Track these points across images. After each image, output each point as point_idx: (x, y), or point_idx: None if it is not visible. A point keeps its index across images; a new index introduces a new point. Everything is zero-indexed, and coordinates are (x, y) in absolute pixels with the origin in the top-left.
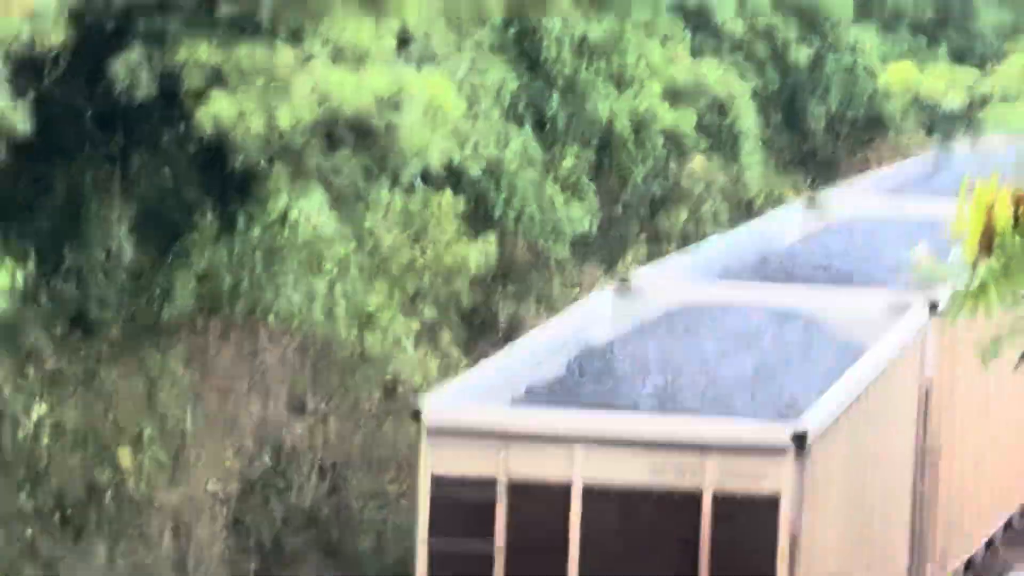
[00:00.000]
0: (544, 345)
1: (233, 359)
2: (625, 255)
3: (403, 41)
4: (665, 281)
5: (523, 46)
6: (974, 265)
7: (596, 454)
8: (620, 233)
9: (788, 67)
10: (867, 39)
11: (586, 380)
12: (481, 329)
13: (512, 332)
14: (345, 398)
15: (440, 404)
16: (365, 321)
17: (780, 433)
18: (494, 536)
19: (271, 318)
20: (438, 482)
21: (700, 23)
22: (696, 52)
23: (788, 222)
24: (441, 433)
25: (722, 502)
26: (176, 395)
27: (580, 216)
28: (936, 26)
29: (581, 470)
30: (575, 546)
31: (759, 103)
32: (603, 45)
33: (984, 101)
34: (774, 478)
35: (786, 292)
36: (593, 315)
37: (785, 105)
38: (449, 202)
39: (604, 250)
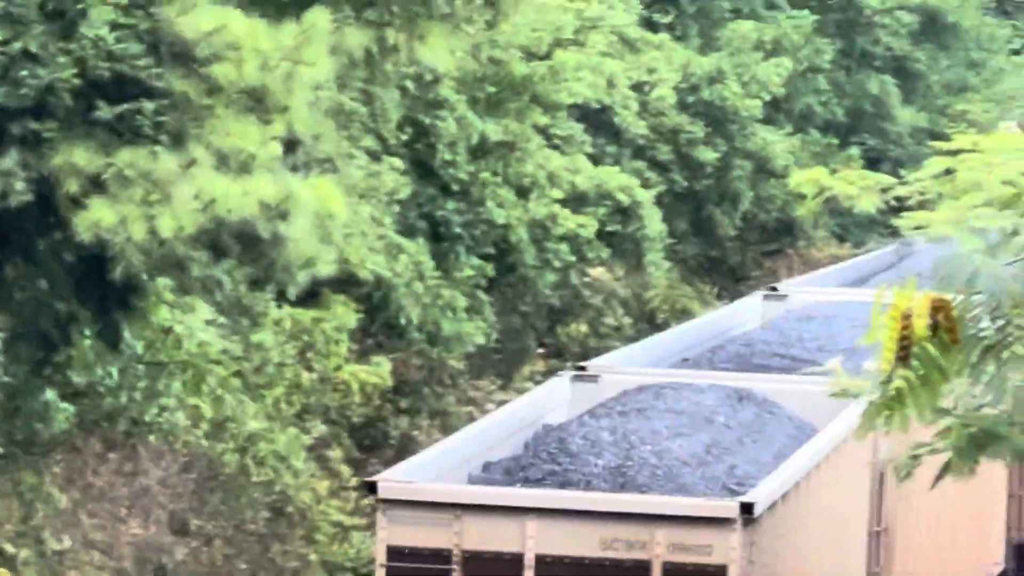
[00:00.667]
0: (501, 426)
1: (113, 479)
2: (521, 369)
3: (290, 145)
4: (622, 366)
5: (417, 150)
6: (890, 376)
7: (548, 526)
8: (517, 346)
9: (695, 170)
10: (777, 141)
11: (541, 459)
12: (372, 446)
13: (404, 449)
14: (230, 519)
15: (396, 477)
16: (251, 439)
17: (728, 505)
18: None
19: (153, 437)
20: (393, 553)
21: (601, 125)
22: (598, 156)
23: (748, 312)
24: (396, 505)
25: (671, 573)
26: (53, 517)
27: (474, 331)
28: (849, 129)
29: (534, 542)
30: None
31: (665, 209)
32: (500, 149)
33: (901, 206)
34: (722, 550)
35: (742, 376)
36: (551, 399)
37: (692, 211)
38: (340, 316)
39: (501, 364)
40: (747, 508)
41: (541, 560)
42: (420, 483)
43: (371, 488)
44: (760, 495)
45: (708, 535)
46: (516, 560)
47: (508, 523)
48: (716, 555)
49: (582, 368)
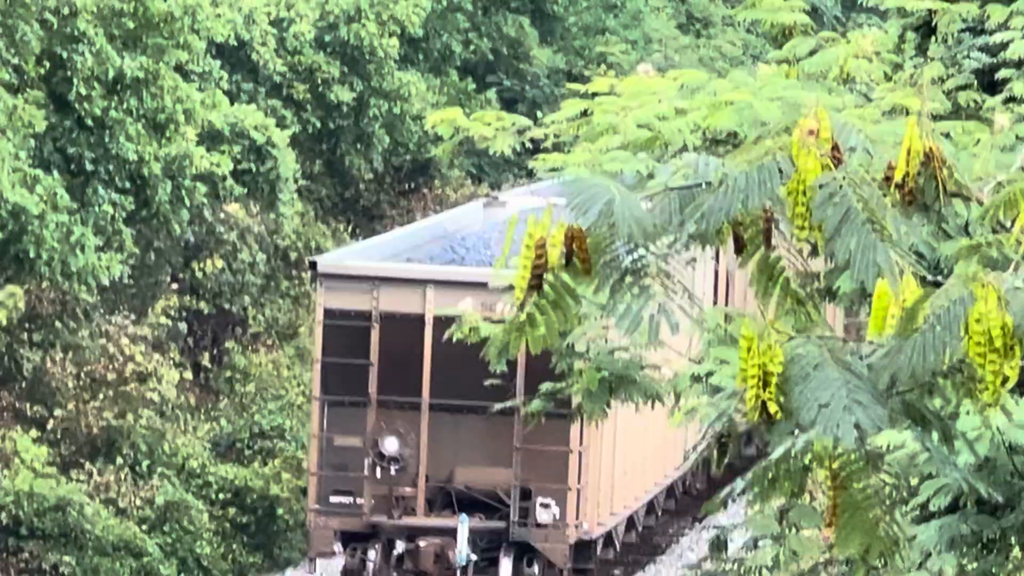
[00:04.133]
0: (422, 233)
1: None
2: (155, 304)
3: None
4: (523, 195)
5: (52, 84)
6: (523, 304)
7: (442, 293)
8: (151, 281)
9: (330, 110)
10: (413, 82)
11: (448, 252)
12: (4, 378)
13: (38, 381)
14: None
15: (331, 257)
16: None
17: None
18: (369, 354)
19: None
20: (328, 314)
21: (238, 62)
22: (234, 94)
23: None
24: (330, 277)
25: None
26: None
27: (110, 263)
28: (486, 70)
29: (432, 305)
30: (428, 360)
31: (300, 149)
32: (137, 84)
33: (536, 147)
34: None
35: None
36: (466, 218)
37: (328, 151)
38: None
39: (135, 299)
40: None
41: (438, 320)
42: (349, 260)
43: (312, 265)
44: None
45: None
46: (419, 319)
47: (414, 291)
48: None
49: (495, 197)
